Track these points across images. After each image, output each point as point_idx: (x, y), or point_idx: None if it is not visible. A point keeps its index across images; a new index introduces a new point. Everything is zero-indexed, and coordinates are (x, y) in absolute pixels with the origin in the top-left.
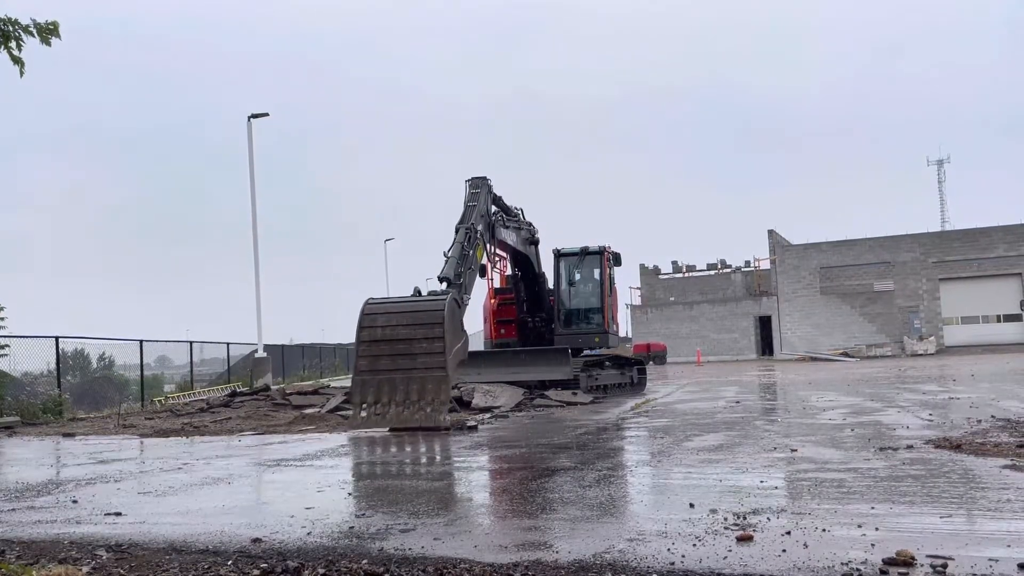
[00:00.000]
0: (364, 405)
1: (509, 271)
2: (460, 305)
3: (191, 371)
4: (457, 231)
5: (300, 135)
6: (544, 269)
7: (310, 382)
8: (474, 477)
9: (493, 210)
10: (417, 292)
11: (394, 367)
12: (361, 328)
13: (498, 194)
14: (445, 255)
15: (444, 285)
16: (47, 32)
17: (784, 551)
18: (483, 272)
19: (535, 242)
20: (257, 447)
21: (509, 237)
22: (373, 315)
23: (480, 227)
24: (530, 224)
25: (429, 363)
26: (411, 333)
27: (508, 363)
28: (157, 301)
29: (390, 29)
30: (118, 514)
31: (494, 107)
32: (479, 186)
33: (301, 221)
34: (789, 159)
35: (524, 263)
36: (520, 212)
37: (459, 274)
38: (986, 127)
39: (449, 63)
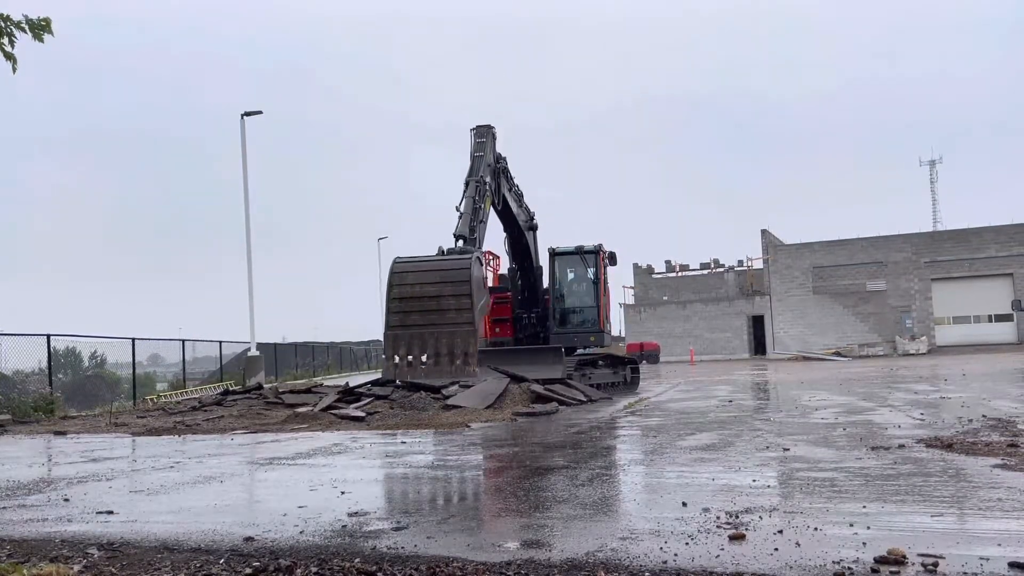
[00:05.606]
0: (397, 358)
1: (504, 269)
2: (482, 264)
3: (183, 369)
4: (467, 184)
5: (294, 134)
6: (540, 264)
7: (303, 380)
8: (467, 476)
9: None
10: (441, 251)
11: (425, 323)
12: (392, 286)
13: (503, 154)
14: (457, 209)
15: (460, 242)
16: (39, 28)
17: (776, 550)
18: None
19: (533, 228)
20: (250, 445)
21: (512, 204)
22: (403, 273)
23: (488, 178)
24: (530, 209)
25: (457, 319)
26: (439, 291)
27: (501, 362)
28: (149, 299)
29: (389, 30)
30: (110, 512)
31: (493, 108)
32: (484, 135)
33: (294, 219)
34: (782, 159)
35: (523, 252)
36: (521, 195)
37: (473, 228)
38: (978, 128)
39: (449, 63)
